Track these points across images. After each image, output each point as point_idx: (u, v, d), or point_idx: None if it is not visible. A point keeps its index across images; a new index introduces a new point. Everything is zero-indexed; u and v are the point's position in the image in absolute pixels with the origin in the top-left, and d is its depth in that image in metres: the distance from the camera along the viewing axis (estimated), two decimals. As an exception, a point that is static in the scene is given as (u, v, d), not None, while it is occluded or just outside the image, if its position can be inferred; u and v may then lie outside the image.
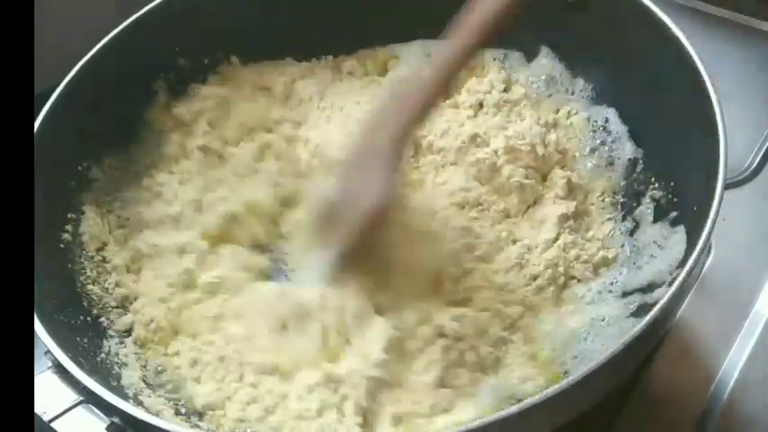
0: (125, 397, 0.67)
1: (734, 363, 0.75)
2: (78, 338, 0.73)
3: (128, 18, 0.90)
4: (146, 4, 0.91)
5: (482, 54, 0.94)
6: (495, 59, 0.96)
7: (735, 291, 0.81)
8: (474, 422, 0.56)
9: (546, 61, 0.94)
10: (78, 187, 0.86)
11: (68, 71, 0.85)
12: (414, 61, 0.98)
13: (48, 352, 0.64)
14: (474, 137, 0.87)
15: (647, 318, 0.59)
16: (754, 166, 0.90)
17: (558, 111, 0.92)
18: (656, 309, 0.60)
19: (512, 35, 0.93)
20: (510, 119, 0.91)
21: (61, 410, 0.62)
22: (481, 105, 0.92)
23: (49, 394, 0.64)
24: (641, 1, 0.81)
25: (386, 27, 0.99)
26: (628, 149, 0.85)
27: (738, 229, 0.83)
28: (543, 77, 0.94)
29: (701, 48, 0.74)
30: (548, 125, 0.90)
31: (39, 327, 0.65)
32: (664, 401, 0.74)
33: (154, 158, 0.92)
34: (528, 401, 0.55)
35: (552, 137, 0.88)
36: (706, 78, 0.72)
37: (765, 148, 0.92)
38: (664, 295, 0.60)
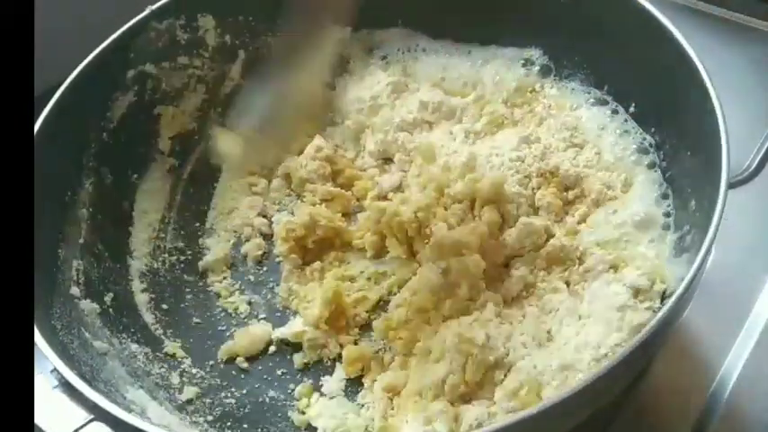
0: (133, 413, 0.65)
1: (734, 363, 0.75)
2: (83, 355, 0.71)
3: (128, 20, 0.90)
4: (147, 6, 0.91)
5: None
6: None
7: (735, 291, 0.81)
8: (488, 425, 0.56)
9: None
10: (78, 188, 0.86)
11: (69, 73, 0.85)
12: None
13: (54, 370, 0.63)
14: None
15: (654, 320, 0.59)
16: (754, 166, 0.90)
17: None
18: (660, 311, 0.60)
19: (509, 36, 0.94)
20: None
21: (72, 430, 0.61)
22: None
23: (57, 413, 0.62)
24: (640, 2, 0.81)
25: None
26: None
27: (739, 229, 0.83)
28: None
29: (701, 48, 0.74)
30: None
31: (43, 344, 0.64)
32: (663, 402, 0.74)
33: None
34: (539, 406, 0.56)
35: None
36: (706, 78, 0.71)
37: (765, 148, 0.91)
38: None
